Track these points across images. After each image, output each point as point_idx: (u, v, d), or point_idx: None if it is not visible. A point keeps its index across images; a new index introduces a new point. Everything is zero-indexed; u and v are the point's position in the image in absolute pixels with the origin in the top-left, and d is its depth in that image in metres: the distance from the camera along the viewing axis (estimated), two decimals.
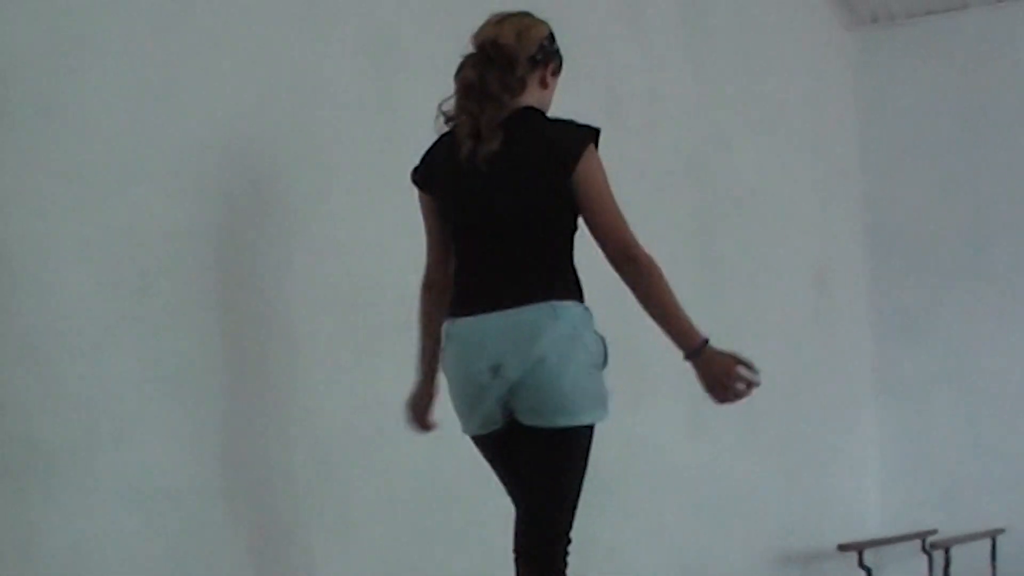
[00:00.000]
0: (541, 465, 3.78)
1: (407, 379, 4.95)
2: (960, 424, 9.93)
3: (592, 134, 3.83)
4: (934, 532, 9.29)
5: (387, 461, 4.81)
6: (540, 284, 3.70)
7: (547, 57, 3.87)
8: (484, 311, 3.69)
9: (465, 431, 3.88)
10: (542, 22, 3.89)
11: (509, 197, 3.74)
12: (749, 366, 3.88)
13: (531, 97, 3.84)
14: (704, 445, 7.32)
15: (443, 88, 5.33)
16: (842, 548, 8.26)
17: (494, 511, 5.37)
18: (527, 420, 3.71)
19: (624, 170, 6.63)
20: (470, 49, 3.84)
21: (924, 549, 8.89)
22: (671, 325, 3.89)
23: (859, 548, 8.40)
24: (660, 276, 3.86)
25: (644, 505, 6.57)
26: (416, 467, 4.97)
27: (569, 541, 3.88)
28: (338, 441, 4.60)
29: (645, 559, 6.52)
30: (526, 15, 3.89)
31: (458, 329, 3.75)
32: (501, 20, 3.85)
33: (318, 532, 4.50)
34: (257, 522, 4.24)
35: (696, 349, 3.88)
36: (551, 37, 3.90)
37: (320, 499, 4.51)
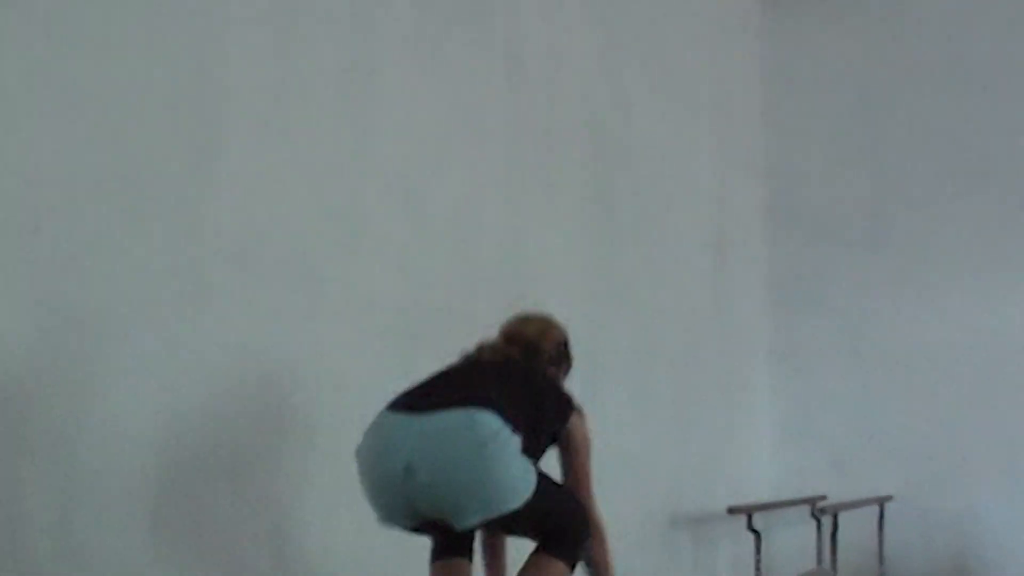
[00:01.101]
0: (517, 531, 3.95)
1: (299, 327, 4.96)
2: (852, 393, 10.08)
3: None
4: (823, 498, 9.43)
5: (277, 409, 4.79)
6: (470, 397, 3.75)
7: (560, 358, 4.35)
8: (409, 411, 3.75)
9: (380, 522, 3.91)
10: (561, 327, 4.38)
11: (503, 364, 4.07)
12: None
13: None
14: (596, 407, 7.33)
15: (342, 34, 5.31)
16: (732, 511, 8.33)
17: None
18: (464, 522, 3.71)
19: (523, 130, 6.67)
20: (495, 338, 4.24)
21: (813, 514, 9.00)
22: None
23: (748, 511, 8.49)
24: (606, 542, 4.16)
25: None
26: (306, 414, 4.95)
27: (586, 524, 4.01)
28: (230, 388, 4.57)
29: None
30: (548, 317, 4.38)
31: (381, 420, 3.82)
32: (526, 319, 4.33)
33: (210, 475, 4.47)
34: (151, 465, 4.20)
35: None
36: (567, 343, 4.38)
37: (212, 442, 4.48)
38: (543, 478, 3.83)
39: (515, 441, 3.70)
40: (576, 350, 7.22)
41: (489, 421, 3.65)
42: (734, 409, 9.54)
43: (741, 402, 9.74)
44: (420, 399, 3.76)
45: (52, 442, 3.88)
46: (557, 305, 6.90)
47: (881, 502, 9.50)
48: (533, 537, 3.92)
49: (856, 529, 9.29)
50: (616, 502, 7.61)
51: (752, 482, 9.61)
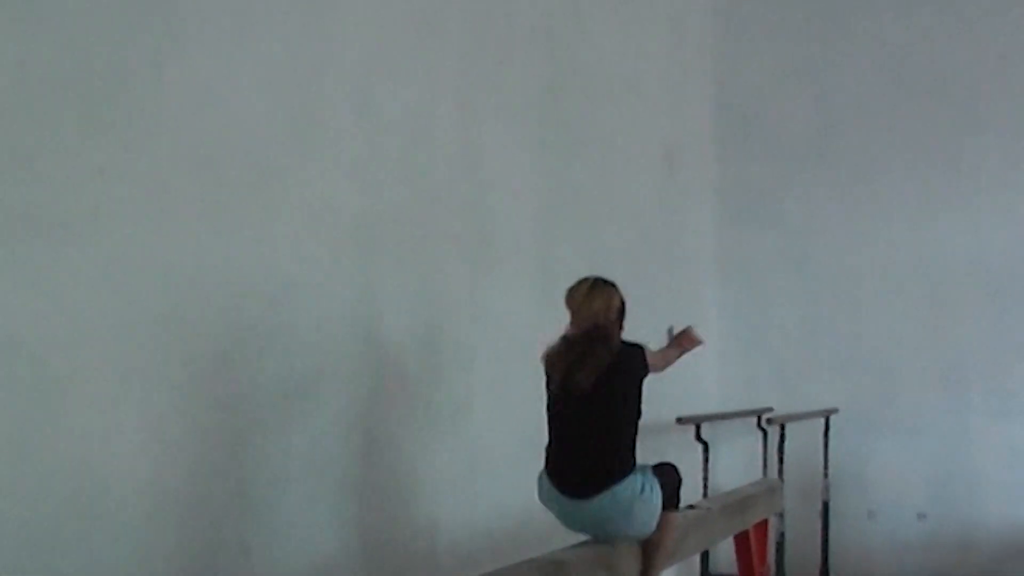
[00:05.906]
0: None
1: (255, 233, 4.93)
2: (798, 307, 10.17)
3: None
4: (770, 410, 9.53)
5: (234, 314, 4.77)
6: (608, 474, 5.00)
7: (620, 318, 5.29)
8: (573, 497, 5.03)
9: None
10: (616, 289, 5.31)
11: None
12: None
13: None
14: (550, 316, 7.35)
15: None
16: (680, 421, 8.41)
17: (335, 365, 5.39)
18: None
19: (478, 38, 6.62)
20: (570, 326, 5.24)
21: (760, 425, 9.10)
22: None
23: (696, 422, 8.57)
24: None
25: (490, 372, 6.61)
26: (262, 318, 4.94)
27: None
28: (188, 293, 4.54)
29: (490, 426, 6.57)
30: (603, 285, 5.29)
31: (552, 495, 5.12)
32: (588, 295, 5.25)
33: (168, 380, 4.45)
34: (109, 368, 4.17)
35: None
36: (623, 304, 5.31)
37: (165, 352, 4.45)
38: (656, 471, 5.15)
39: (639, 480, 4.97)
40: (527, 259, 7.29)
41: (625, 490, 4.92)
42: (681, 320, 9.56)
43: (689, 314, 9.77)
44: (575, 486, 4.96)
45: (15, 350, 3.85)
46: (509, 214, 6.91)
47: (826, 414, 9.61)
48: None
49: (802, 441, 9.40)
50: None
51: (700, 394, 9.68)
